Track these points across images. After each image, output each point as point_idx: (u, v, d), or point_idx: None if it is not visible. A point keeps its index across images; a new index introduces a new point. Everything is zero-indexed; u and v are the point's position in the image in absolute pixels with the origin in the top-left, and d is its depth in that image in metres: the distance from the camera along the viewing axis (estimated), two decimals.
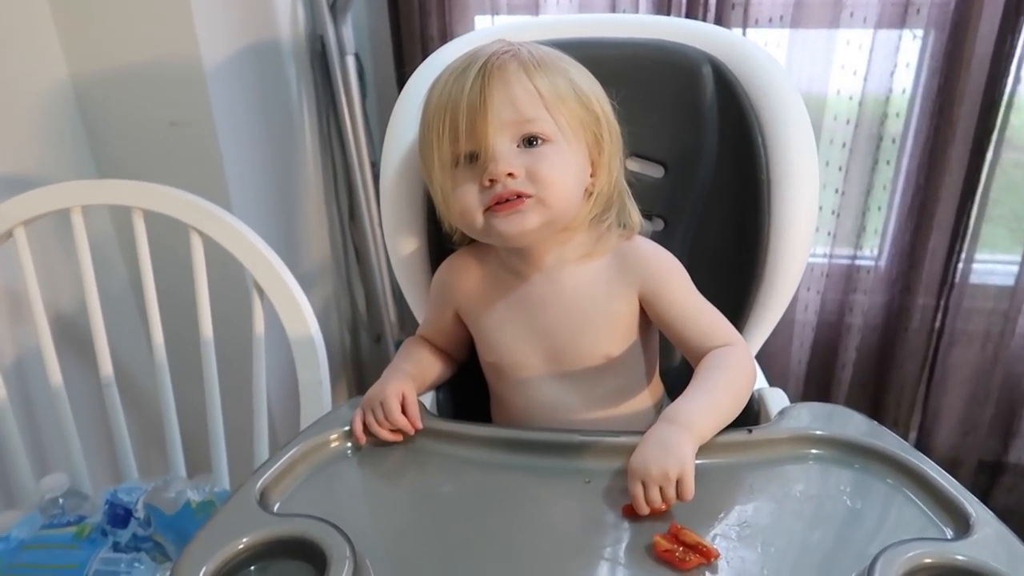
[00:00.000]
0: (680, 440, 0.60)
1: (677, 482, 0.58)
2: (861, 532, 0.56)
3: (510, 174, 0.65)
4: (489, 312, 0.76)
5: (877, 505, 0.59)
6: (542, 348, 0.74)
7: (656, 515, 0.58)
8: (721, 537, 0.56)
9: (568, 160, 0.68)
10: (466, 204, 0.68)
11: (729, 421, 0.66)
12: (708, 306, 0.73)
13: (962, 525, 0.54)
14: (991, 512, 0.55)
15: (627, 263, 0.73)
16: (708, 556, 0.53)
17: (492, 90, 0.65)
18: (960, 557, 0.51)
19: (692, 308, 0.72)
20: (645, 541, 0.55)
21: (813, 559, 0.54)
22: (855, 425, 0.66)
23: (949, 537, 0.54)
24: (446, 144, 0.67)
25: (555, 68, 0.68)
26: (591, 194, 0.72)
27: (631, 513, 0.58)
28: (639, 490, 0.58)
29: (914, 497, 0.59)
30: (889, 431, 0.65)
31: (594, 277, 0.73)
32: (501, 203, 0.66)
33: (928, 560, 0.50)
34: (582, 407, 0.75)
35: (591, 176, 0.71)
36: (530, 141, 0.66)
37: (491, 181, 0.66)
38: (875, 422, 0.66)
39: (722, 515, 0.58)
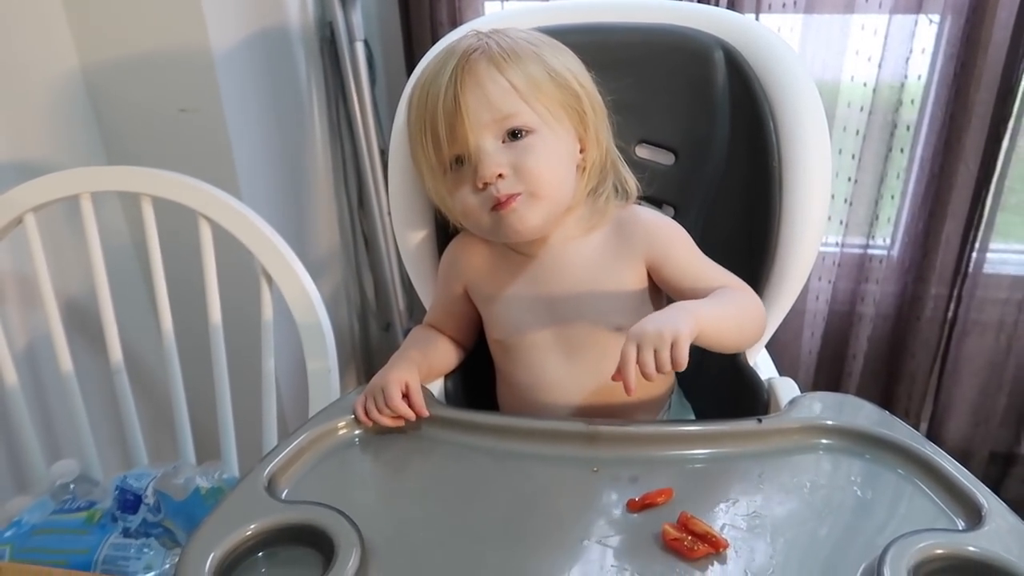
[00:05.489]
0: (681, 313, 0.60)
1: (672, 346, 0.56)
2: (871, 523, 0.56)
3: (500, 175, 0.66)
4: (497, 287, 0.77)
5: (888, 496, 0.58)
6: (550, 322, 0.74)
7: (644, 377, 0.57)
8: (730, 527, 0.55)
9: (555, 147, 0.68)
10: (467, 207, 0.69)
11: (732, 337, 0.66)
12: (714, 264, 0.73)
13: (974, 516, 0.54)
14: (1003, 503, 0.54)
15: (629, 231, 0.73)
16: (717, 546, 0.53)
17: (466, 94, 0.66)
18: (972, 548, 0.50)
19: (701, 269, 0.72)
20: (653, 529, 0.55)
21: (823, 550, 0.54)
22: (866, 415, 0.66)
23: (961, 528, 0.54)
24: (431, 152, 0.69)
25: (526, 56, 0.68)
26: (584, 169, 0.72)
27: (636, 508, 0.58)
28: (632, 350, 0.57)
29: (925, 488, 0.58)
30: (900, 421, 0.65)
31: (598, 248, 0.74)
32: (499, 203, 0.67)
33: (939, 551, 0.50)
34: (590, 385, 0.74)
35: (581, 152, 0.72)
36: (514, 134, 0.67)
37: (484, 184, 0.67)
38: (886, 412, 0.66)
39: (731, 505, 0.58)
